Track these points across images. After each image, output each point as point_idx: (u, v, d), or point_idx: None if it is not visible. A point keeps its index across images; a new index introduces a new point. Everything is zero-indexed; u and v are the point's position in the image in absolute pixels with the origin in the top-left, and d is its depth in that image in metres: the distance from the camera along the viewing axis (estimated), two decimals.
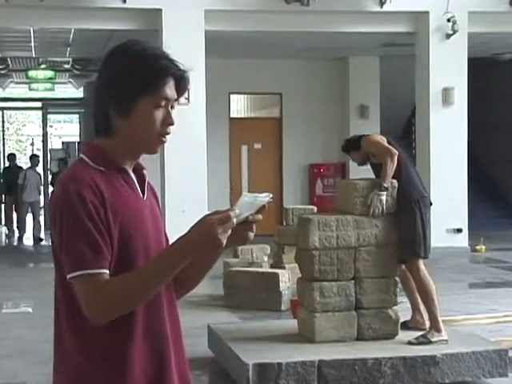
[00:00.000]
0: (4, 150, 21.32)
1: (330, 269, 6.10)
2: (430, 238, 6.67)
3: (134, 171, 2.24)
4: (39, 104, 20.81)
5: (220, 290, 9.39)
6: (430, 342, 6.08)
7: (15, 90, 24.13)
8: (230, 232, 2.01)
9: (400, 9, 13.23)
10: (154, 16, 12.54)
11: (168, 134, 2.20)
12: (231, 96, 16.90)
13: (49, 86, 19.19)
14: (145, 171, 2.27)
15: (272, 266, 9.59)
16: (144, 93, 2.12)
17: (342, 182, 6.97)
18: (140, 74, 2.11)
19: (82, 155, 2.18)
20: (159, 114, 2.15)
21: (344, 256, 6.11)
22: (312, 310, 6.12)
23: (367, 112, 16.77)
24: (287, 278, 8.80)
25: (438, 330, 6.16)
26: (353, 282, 6.17)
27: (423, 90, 13.61)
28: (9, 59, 16.66)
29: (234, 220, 2.02)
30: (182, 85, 2.21)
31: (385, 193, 6.14)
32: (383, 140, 6.56)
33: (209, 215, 2.04)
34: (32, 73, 17.83)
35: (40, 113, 21.45)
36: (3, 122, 21.84)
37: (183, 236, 2.05)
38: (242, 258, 10.01)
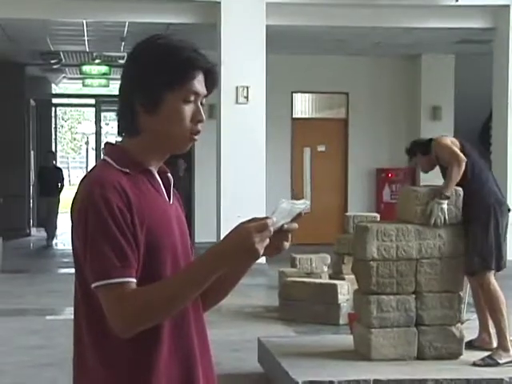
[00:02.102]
0: (56, 149, 21.73)
1: (389, 281, 6.06)
2: (506, 249, 6.50)
3: (158, 174, 2.25)
4: (93, 101, 21.17)
5: (275, 301, 9.41)
6: (498, 364, 5.99)
7: (69, 85, 24.58)
8: (267, 241, 2.01)
9: (477, 2, 13.07)
10: (212, 9, 12.64)
11: (198, 132, 2.21)
12: (294, 95, 16.91)
13: (103, 81, 19.49)
14: (169, 174, 2.29)
15: (331, 277, 9.55)
16: (172, 87, 2.14)
17: (403, 188, 6.90)
18: (168, 67, 2.14)
19: (105, 157, 2.20)
20: (189, 110, 2.17)
21: (404, 268, 6.06)
22: (369, 325, 6.09)
23: (440, 114, 16.59)
24: (346, 290, 8.76)
25: (506, 350, 6.06)
26: (413, 296, 6.11)
27: (501, 90, 13.40)
28: (61, 53, 16.97)
29: (272, 228, 2.00)
30: (211, 80, 2.22)
31: (446, 201, 6.06)
32: (454, 143, 6.48)
33: (245, 223, 2.03)
34: (86, 68, 18.13)
35: (94, 110, 21.83)
36: (56, 118, 22.27)
37: (218, 244, 2.05)
38: (300, 267, 9.99)
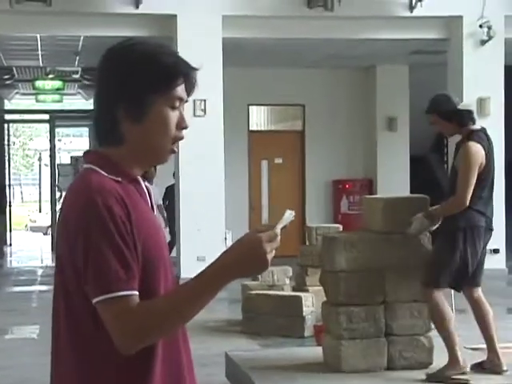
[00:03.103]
0: (10, 166, 21.40)
1: (358, 292, 6.01)
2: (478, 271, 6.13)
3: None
4: (46, 116, 20.90)
5: (239, 314, 9.31)
6: (446, 379, 5.77)
7: (21, 101, 24.26)
8: (274, 252, 1.97)
9: (431, 13, 13.15)
10: (168, 22, 12.56)
11: (182, 139, 2.15)
12: (250, 108, 16.88)
13: (57, 97, 19.26)
14: (147, 183, 2.22)
15: (294, 289, 9.49)
16: (158, 94, 2.07)
17: (366, 198, 6.86)
18: (153, 73, 2.07)
19: (89, 165, 2.09)
20: (174, 117, 2.11)
21: (372, 278, 6.01)
22: (338, 336, 6.03)
23: (396, 124, 16.68)
24: (311, 302, 8.70)
25: (454, 366, 5.83)
26: (382, 306, 6.07)
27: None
28: (14, 69, 16.73)
29: (279, 239, 1.97)
30: (190, 84, 2.17)
31: (428, 222, 5.94)
32: (478, 159, 5.90)
33: (251, 233, 1.99)
34: (39, 83, 17.90)
35: (47, 126, 21.56)
36: (9, 135, 21.95)
37: (227, 255, 1.98)
38: (262, 280, 9.91)
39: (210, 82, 12.50)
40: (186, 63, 2.14)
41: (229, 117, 13.98)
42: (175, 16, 12.48)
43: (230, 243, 13.02)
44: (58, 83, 17.77)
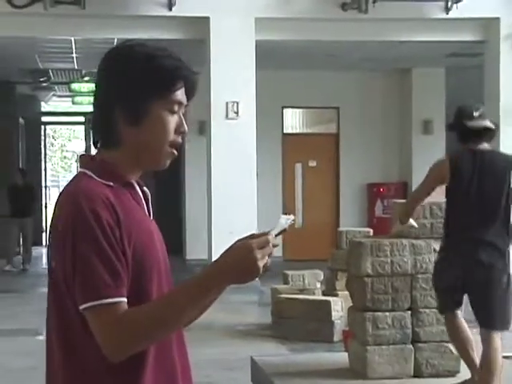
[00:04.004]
0: (46, 168, 21.55)
1: (384, 298, 5.94)
2: None
3: None
4: (82, 118, 21.02)
5: (268, 318, 9.27)
6: None
7: (58, 103, 24.44)
8: (267, 259, 1.93)
9: (467, 15, 12.98)
10: (201, 24, 12.54)
11: (180, 144, 2.12)
12: (285, 110, 16.82)
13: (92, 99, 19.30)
14: (145, 188, 2.18)
15: (324, 294, 9.42)
16: (157, 97, 2.05)
17: (396, 202, 6.78)
18: (153, 76, 2.05)
19: (83, 170, 2.08)
20: (173, 121, 2.09)
21: (399, 284, 5.94)
22: (364, 342, 5.95)
23: (432, 127, 16.53)
24: (340, 307, 8.63)
25: None
26: (409, 312, 5.99)
27: (492, 103, 13.30)
28: (50, 71, 16.86)
29: (271, 245, 1.94)
30: (191, 89, 2.13)
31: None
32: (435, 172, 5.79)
33: (244, 239, 1.95)
34: (75, 85, 17.99)
35: (83, 128, 21.70)
36: (45, 137, 22.12)
37: (217, 262, 1.95)
38: (293, 284, 9.87)
39: (242, 85, 12.50)
40: (187, 67, 2.11)
41: (262, 119, 13.94)
42: (208, 18, 12.46)
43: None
44: (93, 85, 17.84)
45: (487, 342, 5.37)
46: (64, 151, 41.04)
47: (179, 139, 2.11)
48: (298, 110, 17.07)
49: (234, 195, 12.34)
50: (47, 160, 22.44)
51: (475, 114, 5.52)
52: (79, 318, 1.95)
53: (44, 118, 22.30)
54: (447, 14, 12.91)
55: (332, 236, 14.50)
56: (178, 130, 2.10)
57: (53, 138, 36.41)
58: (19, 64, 15.53)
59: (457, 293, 5.50)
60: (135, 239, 1.99)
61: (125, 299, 1.93)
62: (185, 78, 2.09)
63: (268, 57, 13.73)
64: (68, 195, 2.02)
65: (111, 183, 2.03)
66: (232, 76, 12.42)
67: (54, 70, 16.72)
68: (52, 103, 24.06)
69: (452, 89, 16.33)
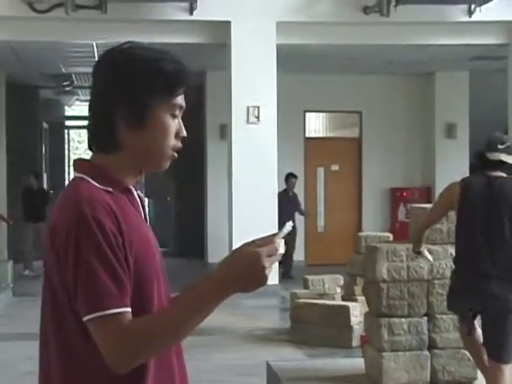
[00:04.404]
0: (69, 172, 21.66)
1: (400, 303, 5.88)
2: None
3: None
4: None
5: (287, 323, 9.23)
6: None
7: (81, 107, 24.55)
8: (273, 267, 1.89)
9: (491, 18, 12.87)
10: (222, 29, 12.54)
11: (179, 148, 2.09)
12: (307, 114, 16.78)
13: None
14: (140, 193, 2.14)
15: (343, 299, 9.37)
16: (161, 101, 2.02)
17: (414, 208, 6.72)
18: (157, 79, 2.01)
19: (80, 174, 2.03)
20: (174, 125, 2.06)
21: (415, 289, 5.89)
22: (379, 348, 5.90)
23: (455, 131, 16.41)
24: (359, 312, 8.56)
25: None
26: (425, 318, 5.93)
27: None
28: (73, 75, 16.94)
29: (278, 253, 1.90)
30: (187, 93, 2.11)
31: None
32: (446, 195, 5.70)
33: (249, 245, 1.91)
34: None
35: None
36: (69, 141, 22.23)
37: (224, 269, 1.91)
38: (313, 288, 9.82)
39: (263, 89, 12.48)
40: (188, 71, 2.08)
41: (284, 124, 13.92)
42: (229, 22, 12.45)
43: (281, 251, 12.90)
44: None
45: (495, 374, 5.30)
46: (89, 155, 41.32)
47: (179, 144, 2.09)
48: (320, 114, 17.01)
49: (254, 199, 12.31)
50: (71, 164, 22.53)
51: (500, 146, 5.47)
52: (79, 328, 1.91)
53: (68, 123, 22.41)
54: (470, 17, 12.81)
55: (354, 240, 14.42)
56: (178, 135, 2.08)
57: (78, 142, 36.57)
58: (42, 68, 15.63)
59: (470, 321, 5.44)
60: (136, 246, 1.95)
61: (129, 309, 1.89)
62: (186, 82, 2.07)
63: (289, 61, 13.70)
64: (67, 202, 1.97)
65: (110, 189, 2.00)
66: (253, 80, 12.40)
67: (76, 74, 16.79)
68: (76, 107, 24.18)
69: (476, 92, 16.21)
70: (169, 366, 2.04)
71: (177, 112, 2.06)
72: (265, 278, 1.88)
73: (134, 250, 1.94)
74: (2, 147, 16.05)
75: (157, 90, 2.01)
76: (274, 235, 1.96)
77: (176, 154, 2.09)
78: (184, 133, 2.09)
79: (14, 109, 16.46)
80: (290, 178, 14.92)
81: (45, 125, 19.26)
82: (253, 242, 1.93)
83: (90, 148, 2.10)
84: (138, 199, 2.11)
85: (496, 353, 5.29)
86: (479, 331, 5.47)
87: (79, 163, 2.09)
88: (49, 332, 2.00)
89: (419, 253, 5.73)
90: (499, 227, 5.24)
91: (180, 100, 2.06)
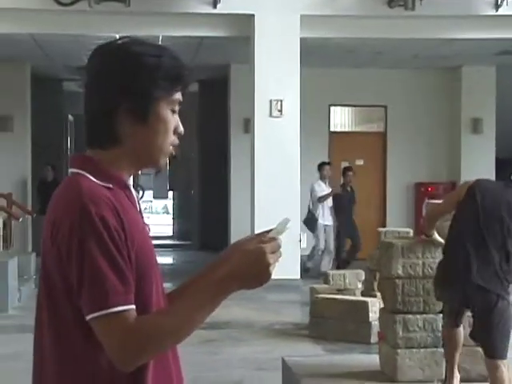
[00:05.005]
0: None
1: (415, 300, 5.85)
2: None
3: None
4: None
5: (306, 318, 9.22)
6: None
7: None
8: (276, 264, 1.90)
9: None
10: (245, 22, 12.54)
11: (177, 144, 2.09)
12: (331, 108, 16.73)
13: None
14: (133, 189, 2.13)
15: (363, 294, 9.34)
16: (164, 95, 2.02)
17: (429, 204, 6.68)
18: (160, 74, 2.01)
19: (78, 170, 2.01)
20: (174, 121, 2.06)
21: (431, 286, 5.83)
22: (394, 345, 5.88)
23: (481, 126, 16.29)
24: (378, 308, 8.50)
25: None
26: (440, 315, 5.87)
27: None
28: None
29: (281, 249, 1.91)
30: (186, 89, 2.11)
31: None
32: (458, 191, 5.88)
33: (252, 241, 1.92)
34: None
35: None
36: None
37: (227, 265, 1.91)
38: (333, 283, 9.80)
39: (287, 82, 12.46)
40: (186, 66, 2.08)
41: (309, 118, 13.90)
42: (253, 16, 12.45)
43: (303, 245, 12.96)
44: None
45: (493, 372, 5.32)
46: None
47: (177, 140, 2.08)
48: (345, 109, 16.97)
49: (277, 194, 12.29)
50: None
51: None
52: (79, 327, 1.90)
53: None
54: (497, 10, 12.71)
55: (377, 235, 14.37)
56: (176, 131, 2.07)
57: None
58: (66, 61, 15.71)
59: (458, 314, 5.55)
60: (137, 242, 1.95)
61: (134, 306, 1.88)
62: (185, 78, 2.07)
63: (313, 54, 13.68)
64: (69, 198, 1.94)
65: (110, 185, 1.98)
66: (276, 74, 12.39)
67: None
68: None
69: (503, 87, 16.08)
70: (167, 365, 2.03)
71: (176, 107, 2.06)
72: (269, 275, 1.88)
73: (135, 246, 1.94)
74: (28, 140, 16.17)
75: (159, 85, 2.01)
76: (269, 231, 1.96)
77: (174, 152, 2.09)
78: (181, 129, 2.08)
79: (39, 101, 16.58)
80: (346, 171, 14.39)
81: (70, 117, 19.36)
82: (253, 236, 1.94)
83: (87, 143, 2.08)
84: (135, 195, 2.11)
85: (488, 349, 5.33)
86: (461, 330, 5.53)
87: (76, 158, 2.08)
88: (44, 331, 1.99)
89: (430, 236, 5.76)
90: (492, 236, 5.31)
91: (179, 95, 2.06)
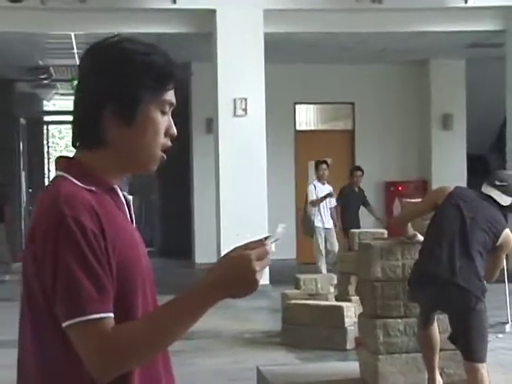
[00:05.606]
0: (49, 169, 21.59)
1: (396, 303, 5.86)
2: None
3: None
4: None
5: (277, 325, 9.19)
6: None
7: (61, 102, 24.46)
8: (264, 271, 1.87)
9: (487, 4, 12.89)
10: (207, 17, 12.50)
11: (169, 147, 2.07)
12: (297, 106, 16.75)
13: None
14: (126, 193, 2.12)
15: (337, 299, 9.34)
16: (151, 96, 2.00)
17: (407, 202, 6.69)
18: (148, 73, 1.99)
19: (62, 173, 2.01)
20: (164, 123, 2.04)
21: None
22: (375, 351, 5.88)
23: (452, 122, 16.41)
24: (353, 313, 8.53)
25: None
26: None
27: None
28: (51, 68, 16.86)
29: (270, 256, 1.88)
30: (176, 89, 2.09)
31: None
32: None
33: (241, 249, 1.89)
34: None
35: None
36: (48, 137, 22.15)
37: (213, 273, 1.88)
38: (305, 288, 9.78)
39: (251, 80, 12.44)
40: (177, 66, 2.06)
41: (274, 116, 13.89)
42: (214, 11, 12.42)
43: (272, 250, 12.87)
44: None
45: (472, 376, 5.37)
46: (70, 151, 41.22)
47: (169, 142, 2.07)
48: (311, 106, 17.00)
49: (243, 196, 12.28)
50: (51, 161, 22.49)
51: (498, 182, 5.62)
52: (60, 335, 1.88)
53: (47, 118, 22.31)
54: (466, 2, 12.82)
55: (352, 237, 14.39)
56: (168, 133, 2.06)
57: (59, 138, 36.49)
58: (18, 61, 15.55)
59: (431, 313, 5.63)
60: (119, 249, 1.93)
61: (112, 314, 1.87)
62: (175, 77, 2.05)
63: (278, 50, 13.67)
64: (47, 202, 1.94)
65: (93, 188, 1.97)
66: (240, 71, 12.37)
67: (55, 66, 16.71)
68: (55, 102, 24.09)
69: (473, 81, 16.21)
70: (155, 374, 2.01)
71: (166, 108, 2.04)
72: (255, 283, 1.85)
73: (117, 252, 1.92)
74: None
75: (147, 85, 2.00)
76: (267, 238, 1.94)
77: (165, 155, 2.08)
78: (174, 131, 2.07)
79: None
80: (354, 171, 14.09)
81: (22, 120, 19.16)
82: (245, 245, 1.91)
83: (73, 145, 2.08)
84: (124, 200, 2.09)
85: (468, 352, 5.37)
86: (436, 330, 5.60)
87: (61, 161, 2.07)
88: (27, 337, 1.97)
89: (411, 238, 5.81)
90: (475, 242, 5.42)
91: (170, 96, 2.05)
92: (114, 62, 2.01)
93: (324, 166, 13.44)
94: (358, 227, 13.57)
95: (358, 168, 14.21)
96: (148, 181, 19.93)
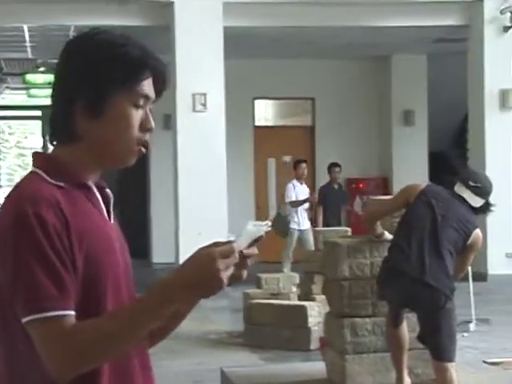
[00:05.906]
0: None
1: (364, 302, 5.88)
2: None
3: (96, 189, 2.08)
4: (39, 112, 20.80)
5: (240, 325, 9.19)
6: None
7: (12, 96, 24.19)
8: (232, 269, 1.84)
9: None
10: (164, 10, 12.46)
11: (146, 141, 2.05)
12: (256, 102, 16.76)
13: (49, 91, 19.16)
14: (108, 190, 2.11)
15: (300, 298, 9.36)
16: (121, 88, 1.98)
17: (374, 200, 6.73)
18: (116, 65, 1.98)
19: (34, 169, 2.01)
20: (138, 116, 2.02)
21: None
22: (342, 350, 5.89)
23: (413, 118, 16.54)
24: (317, 312, 8.57)
25: None
26: None
27: (477, 91, 13.36)
28: (2, 62, 16.66)
29: (237, 254, 1.86)
30: (160, 82, 2.06)
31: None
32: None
33: (206, 247, 1.87)
34: (29, 77, 17.78)
35: (40, 123, 21.50)
36: None
37: (176, 273, 1.87)
38: (266, 288, 9.78)
39: (210, 75, 12.42)
40: (154, 57, 2.03)
41: (232, 112, 13.85)
42: (172, 3, 12.37)
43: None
44: (50, 77, 17.64)
45: (441, 375, 5.42)
46: (21, 148, 40.75)
47: (146, 136, 2.05)
48: (270, 102, 17.03)
49: (202, 194, 12.25)
50: (1, 158, 22.24)
51: (471, 183, 5.66)
52: (23, 331, 1.87)
53: None
54: None
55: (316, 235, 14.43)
56: (144, 127, 2.03)
57: (9, 134, 36.08)
58: None
59: (400, 311, 5.67)
60: (88, 246, 1.91)
61: (72, 312, 1.86)
62: (151, 69, 2.02)
63: (237, 45, 13.64)
64: (13, 198, 1.95)
65: (62, 184, 1.97)
66: (199, 66, 12.33)
67: (5, 60, 16.53)
68: (6, 96, 23.81)
69: (434, 77, 16.33)
70: (128, 372, 1.99)
71: (140, 102, 2.02)
72: (220, 282, 1.82)
73: (84, 249, 1.90)
74: None
75: (116, 76, 1.98)
76: (238, 238, 1.92)
77: (143, 149, 2.06)
78: (152, 124, 2.05)
79: None
80: (332, 168, 14.15)
81: None
82: (214, 243, 1.89)
83: (51, 141, 2.08)
84: (101, 196, 2.07)
85: (437, 352, 5.42)
86: (404, 329, 5.62)
87: (35, 156, 2.07)
88: None
89: (379, 236, 5.84)
90: (446, 240, 5.46)
91: (146, 89, 2.02)
92: (81, 54, 2.01)
93: (304, 165, 13.49)
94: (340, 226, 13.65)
95: (336, 164, 14.22)
96: (102, 178, 19.80)
